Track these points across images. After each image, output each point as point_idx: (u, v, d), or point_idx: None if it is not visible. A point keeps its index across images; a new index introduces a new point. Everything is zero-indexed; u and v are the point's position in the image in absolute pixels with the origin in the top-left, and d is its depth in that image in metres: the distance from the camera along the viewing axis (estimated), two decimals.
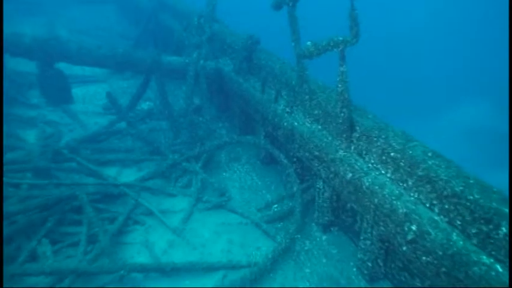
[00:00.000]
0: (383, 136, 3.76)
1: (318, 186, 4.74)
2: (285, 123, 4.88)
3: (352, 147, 4.13)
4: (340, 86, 3.90)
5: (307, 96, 4.60)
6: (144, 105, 7.38)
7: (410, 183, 3.49)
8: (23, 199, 4.60)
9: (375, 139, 3.82)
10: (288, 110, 4.91)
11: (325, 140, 4.37)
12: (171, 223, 4.86)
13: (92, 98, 7.59)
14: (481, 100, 14.47)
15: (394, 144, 3.64)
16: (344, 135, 4.09)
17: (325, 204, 4.70)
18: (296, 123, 4.75)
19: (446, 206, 3.17)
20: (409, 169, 3.50)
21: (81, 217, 4.69)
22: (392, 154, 3.64)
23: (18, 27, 9.87)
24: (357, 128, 4.03)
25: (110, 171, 5.67)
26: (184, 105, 5.84)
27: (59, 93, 6.13)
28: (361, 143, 4.02)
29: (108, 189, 5.09)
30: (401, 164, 3.56)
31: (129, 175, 5.68)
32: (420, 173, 3.37)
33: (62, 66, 7.01)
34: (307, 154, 4.70)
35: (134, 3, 9.53)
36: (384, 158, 3.75)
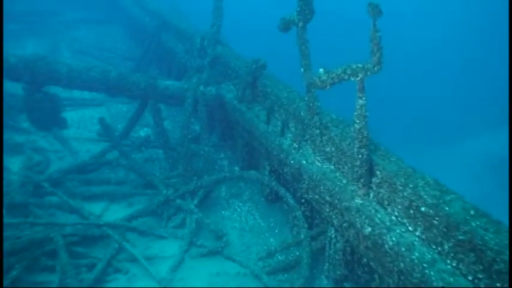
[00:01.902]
0: (410, 185, 3.01)
1: (329, 234, 3.98)
2: (292, 161, 4.16)
3: (371, 195, 3.38)
4: (358, 122, 3.18)
5: (317, 131, 3.89)
6: (142, 132, 6.74)
7: (446, 247, 2.73)
8: None
9: (401, 188, 3.07)
10: (295, 145, 4.19)
11: (338, 183, 3.64)
12: (158, 272, 4.13)
13: (87, 122, 6.96)
14: (503, 129, 13.57)
15: (425, 196, 2.89)
16: (362, 180, 3.35)
17: (337, 257, 3.93)
18: (304, 162, 4.03)
19: (499, 285, 2.39)
20: (445, 229, 2.74)
21: (56, 262, 4.00)
22: (423, 209, 2.88)
23: (22, 46, 9.46)
24: (378, 172, 3.29)
25: (96, 207, 4.99)
26: (181, 135, 5.15)
27: (47, 118, 5.51)
28: (382, 190, 3.28)
29: (88, 229, 4.39)
30: (435, 222, 2.80)
31: (116, 211, 4.99)
32: (460, 237, 2.61)
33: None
34: (316, 197, 3.96)
35: (139, 23, 9.02)
36: (411, 212, 3.00)
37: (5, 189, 4.78)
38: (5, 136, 6.15)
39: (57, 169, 5.24)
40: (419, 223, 2.95)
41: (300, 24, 3.60)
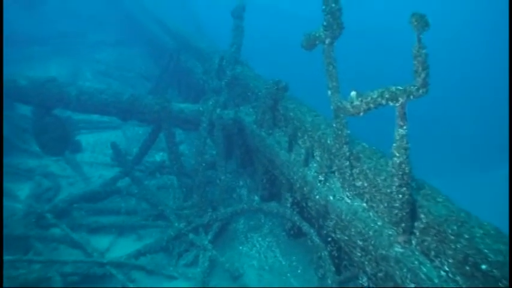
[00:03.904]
0: (466, 235, 2.39)
1: (360, 281, 3.37)
2: (317, 196, 3.58)
3: (414, 242, 2.76)
4: (397, 155, 2.60)
5: (347, 162, 3.31)
6: (158, 156, 6.30)
7: None
8: None
9: (452, 237, 2.45)
10: (321, 177, 3.62)
11: (372, 225, 3.03)
12: None
13: (103, 146, 6.59)
14: None
15: (485, 250, 2.27)
16: (402, 225, 2.75)
17: None
18: (331, 197, 3.44)
19: None
20: None
21: None
22: (483, 267, 2.26)
23: (46, 68, 9.31)
24: (422, 216, 2.68)
25: (103, 240, 4.54)
26: (195, 162, 4.67)
27: (57, 143, 5.15)
28: (427, 238, 2.66)
29: (90, 268, 3.91)
30: (502, 285, 2.16)
31: (124, 246, 4.52)
32: None
33: None
34: (346, 238, 3.36)
35: (159, 43, 8.72)
36: (467, 268, 2.37)
37: (6, 220, 4.39)
38: (17, 160, 5.85)
39: (64, 197, 4.84)
40: (478, 283, 2.31)
41: (327, 40, 3.07)
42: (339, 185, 3.50)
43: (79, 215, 4.76)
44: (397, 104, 2.47)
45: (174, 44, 7.69)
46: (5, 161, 5.61)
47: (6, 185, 5.23)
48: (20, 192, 5.25)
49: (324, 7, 3.03)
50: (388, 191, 2.83)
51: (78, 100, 4.82)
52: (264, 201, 5.08)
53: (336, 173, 3.54)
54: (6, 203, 4.84)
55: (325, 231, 3.87)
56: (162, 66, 7.62)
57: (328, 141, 3.61)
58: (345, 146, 3.29)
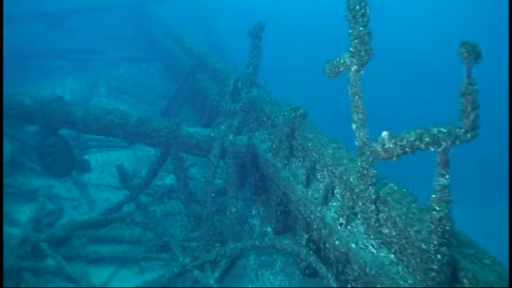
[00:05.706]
0: None
1: None
2: (337, 241, 3.13)
3: None
4: (437, 209, 2.15)
5: (373, 206, 2.87)
6: (168, 179, 5.95)
7: None
8: None
9: None
10: (342, 220, 3.17)
11: (402, 283, 2.57)
12: None
13: (112, 166, 6.26)
14: None
15: None
16: None
17: None
18: (354, 245, 2.99)
19: None
20: None
21: None
22: None
23: (62, 83, 9.14)
24: (465, 280, 2.21)
25: (102, 272, 4.19)
26: (203, 193, 4.28)
27: (61, 164, 4.85)
28: None
29: None
30: None
31: (125, 279, 4.15)
32: None
33: None
34: None
35: (176, 61, 8.45)
36: None
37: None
38: (21, 180, 5.57)
39: (64, 224, 4.49)
40: None
41: (353, 68, 2.67)
42: (362, 229, 3.05)
43: (79, 243, 4.42)
44: (439, 150, 2.04)
45: (190, 63, 7.39)
46: (9, 180, 5.34)
47: (6, 207, 4.93)
48: (21, 214, 4.94)
49: (350, 31, 2.63)
50: (424, 247, 2.37)
51: (84, 121, 4.52)
52: (278, 233, 4.66)
53: (359, 215, 3.10)
54: (3, 227, 4.54)
55: (344, 277, 3.40)
56: (178, 85, 7.32)
57: (351, 179, 3.17)
58: (370, 188, 2.85)
